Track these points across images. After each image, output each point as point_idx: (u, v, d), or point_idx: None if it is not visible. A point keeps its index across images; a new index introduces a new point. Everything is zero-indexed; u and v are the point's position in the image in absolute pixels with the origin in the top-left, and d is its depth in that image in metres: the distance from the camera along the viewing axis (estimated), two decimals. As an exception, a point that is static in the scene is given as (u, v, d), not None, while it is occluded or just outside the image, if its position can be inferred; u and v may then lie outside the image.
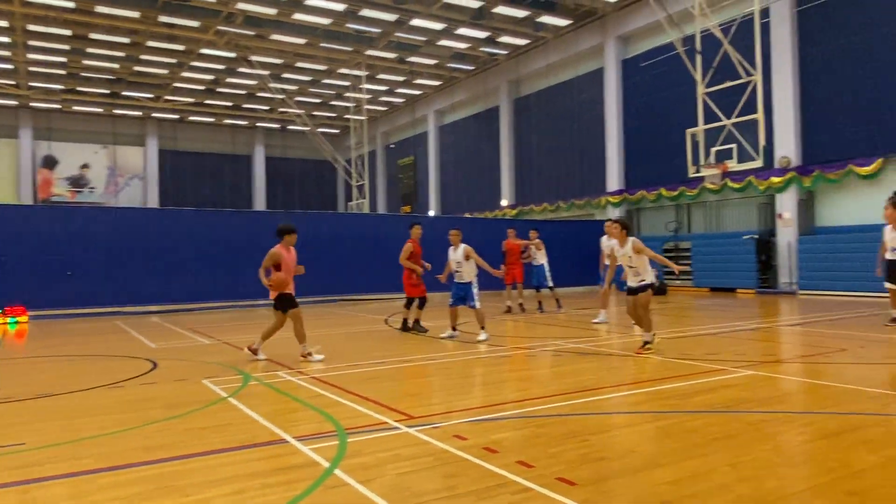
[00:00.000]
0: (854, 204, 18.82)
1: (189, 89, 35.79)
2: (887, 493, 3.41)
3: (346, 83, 33.92)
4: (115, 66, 31.26)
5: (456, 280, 10.39)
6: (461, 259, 10.15)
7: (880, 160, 17.85)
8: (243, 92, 36.64)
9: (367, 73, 32.20)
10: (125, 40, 27.67)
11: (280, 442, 4.61)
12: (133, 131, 41.41)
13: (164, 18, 25.15)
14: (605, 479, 3.74)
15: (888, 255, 10.76)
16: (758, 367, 7.27)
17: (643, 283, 8.53)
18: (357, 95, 34.27)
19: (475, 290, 10.17)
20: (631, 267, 8.54)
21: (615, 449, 4.41)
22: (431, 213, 37.23)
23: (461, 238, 10.36)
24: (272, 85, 32.24)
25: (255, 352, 8.62)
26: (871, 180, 18.21)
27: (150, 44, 28.08)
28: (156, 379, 7.41)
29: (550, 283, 15.01)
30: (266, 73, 31.38)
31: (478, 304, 10.09)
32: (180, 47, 28.65)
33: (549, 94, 29.86)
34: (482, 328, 10.00)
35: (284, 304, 8.62)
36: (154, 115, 40.70)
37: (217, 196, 43.23)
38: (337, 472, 3.91)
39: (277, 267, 8.54)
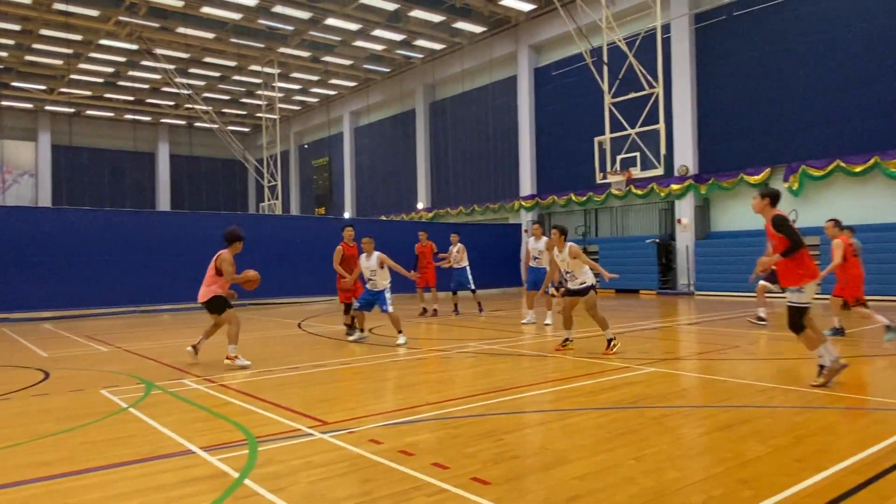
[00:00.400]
0: (746, 210, 20.20)
1: (87, 82, 33.71)
2: (775, 479, 3.68)
3: (258, 80, 33.02)
4: (4, 54, 29.01)
5: (369, 287, 10.19)
6: (375, 267, 10.02)
7: (769, 169, 19.28)
8: (146, 86, 34.93)
9: (279, 71, 31.47)
10: (15, 27, 25.73)
11: (186, 453, 4.42)
12: (23, 125, 38.55)
13: (59, 6, 23.56)
14: (518, 477, 3.83)
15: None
16: (659, 365, 7.66)
17: (584, 285, 8.63)
18: (269, 93, 33.41)
19: (388, 295, 10.04)
20: (568, 272, 8.73)
21: (528, 447, 4.52)
22: (347, 214, 36.85)
23: (374, 246, 10.21)
24: (178, 80, 30.88)
25: (233, 359, 8.00)
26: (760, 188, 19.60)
27: (44, 32, 26.25)
28: (48, 390, 6.92)
29: (473, 286, 15.03)
30: (171, 67, 30.04)
31: (391, 309, 9.93)
32: (77, 37, 26.95)
33: (464, 98, 30.26)
34: (399, 332, 9.95)
35: (220, 306, 8.29)
36: (47, 108, 38.06)
37: (117, 195, 40.99)
38: (247, 482, 3.79)
39: (219, 272, 8.26)
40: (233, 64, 31.20)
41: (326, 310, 17.70)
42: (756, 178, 19.50)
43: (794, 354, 8.33)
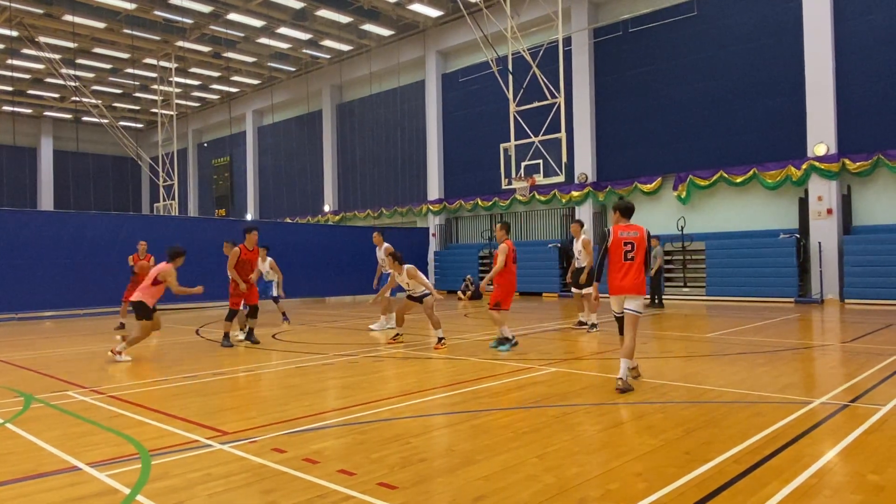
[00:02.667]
0: (640, 216, 21.18)
1: (-45, 68, 30.82)
2: (666, 471, 3.90)
3: (153, 74, 31.37)
4: None
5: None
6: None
7: (660, 179, 20.46)
8: (27, 76, 32.34)
9: (177, 65, 30.06)
10: None
11: (71, 470, 4.11)
12: None
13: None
14: (424, 480, 3.84)
15: (577, 264, 12.24)
16: (560, 365, 7.93)
17: (424, 292, 10.04)
18: (165, 88, 31.83)
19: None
20: (409, 288, 10.07)
21: (435, 449, 4.54)
22: (249, 216, 35.69)
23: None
24: (64, 71, 28.78)
25: (116, 353, 8.62)
26: (653, 196, 20.82)
27: None
28: None
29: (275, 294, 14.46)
30: (56, 56, 27.97)
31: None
32: (-56, 18, 24.57)
33: (372, 101, 30.11)
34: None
35: (144, 312, 8.83)
36: None
37: (-8, 192, 37.72)
38: (139, 497, 3.58)
39: (155, 283, 8.91)
40: (126, 56, 29.46)
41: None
42: (649, 186, 20.64)
43: (683, 352, 8.87)
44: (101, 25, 25.45)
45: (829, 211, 17.15)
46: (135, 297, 8.94)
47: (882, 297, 16.04)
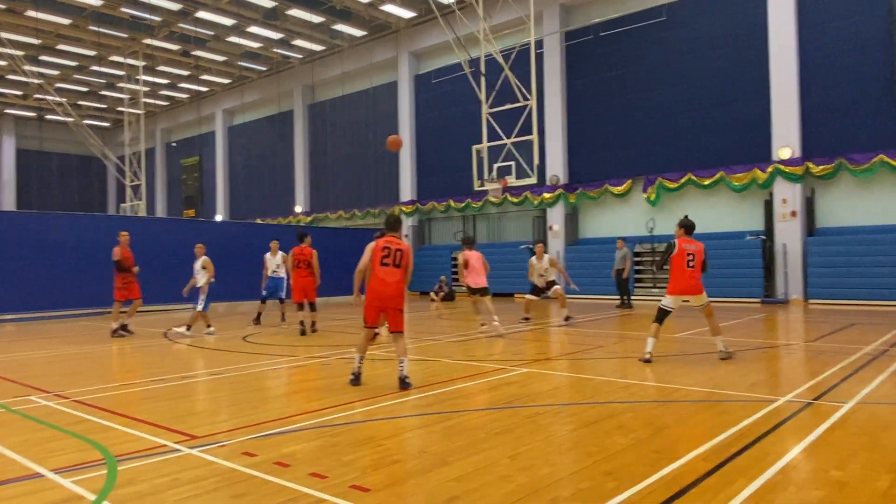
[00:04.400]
0: (610, 218, 21.58)
1: (-88, 63, 29.83)
2: (636, 470, 3.95)
3: (120, 72, 30.75)
4: None
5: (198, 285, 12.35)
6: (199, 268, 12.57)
7: (629, 181, 20.73)
8: (-12, 72, 31.50)
9: (144, 63, 29.54)
10: None
11: (34, 476, 4.01)
12: None
13: None
14: (398, 483, 3.83)
15: (535, 280, 13.56)
16: (532, 365, 7.98)
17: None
18: (133, 87, 31.25)
19: (202, 296, 12.08)
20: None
21: (407, 451, 4.53)
22: (219, 217, 35.19)
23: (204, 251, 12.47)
24: (27, 67, 28.06)
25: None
26: (623, 198, 21.08)
27: None
28: None
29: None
30: (20, 53, 27.25)
31: (199, 308, 12.07)
32: None
33: (344, 102, 29.95)
34: (187, 326, 11.91)
35: None
36: None
37: (-50, 192, 36.59)
38: (105, 503, 3.51)
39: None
40: (92, 53, 28.84)
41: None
42: (619, 188, 20.89)
43: (652, 352, 8.99)
44: (67, 22, 24.90)
45: (794, 213, 17.55)
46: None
47: (844, 297, 16.46)
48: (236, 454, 4.41)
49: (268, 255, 13.76)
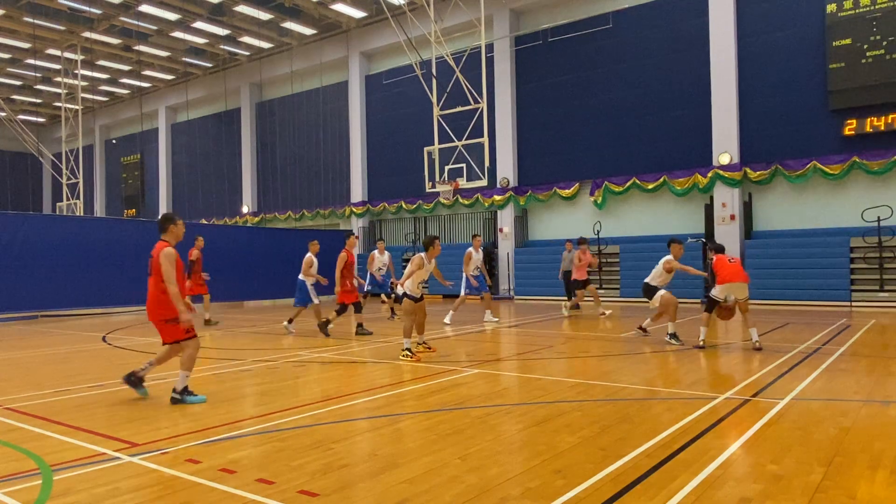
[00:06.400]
0: (558, 221, 21.93)
1: None
2: (583, 468, 4.02)
3: (57, 66, 29.52)
4: None
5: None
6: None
7: (577, 185, 21.12)
8: (-90, 62, 29.75)
9: (83, 57, 28.41)
10: None
11: (-41, 490, 3.80)
12: None
13: None
14: (347, 486, 3.79)
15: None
16: (482, 366, 8.03)
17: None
18: (70, 81, 30.03)
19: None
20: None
21: (357, 454, 4.50)
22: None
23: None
24: (-47, 58, 26.62)
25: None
26: (571, 201, 21.46)
27: None
28: None
29: (316, 300, 14.49)
30: (-55, 42, 25.85)
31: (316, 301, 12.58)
32: None
33: (294, 101, 29.51)
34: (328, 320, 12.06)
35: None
36: None
37: None
38: (39, 516, 3.36)
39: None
40: (26, 46, 27.58)
41: (135, 321, 16.24)
42: (567, 191, 21.26)
43: (599, 352, 9.17)
44: (0, 12, 23.77)
45: (732, 217, 18.20)
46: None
47: (780, 297, 17.16)
48: (179, 461, 4.28)
49: (375, 253, 15.04)
